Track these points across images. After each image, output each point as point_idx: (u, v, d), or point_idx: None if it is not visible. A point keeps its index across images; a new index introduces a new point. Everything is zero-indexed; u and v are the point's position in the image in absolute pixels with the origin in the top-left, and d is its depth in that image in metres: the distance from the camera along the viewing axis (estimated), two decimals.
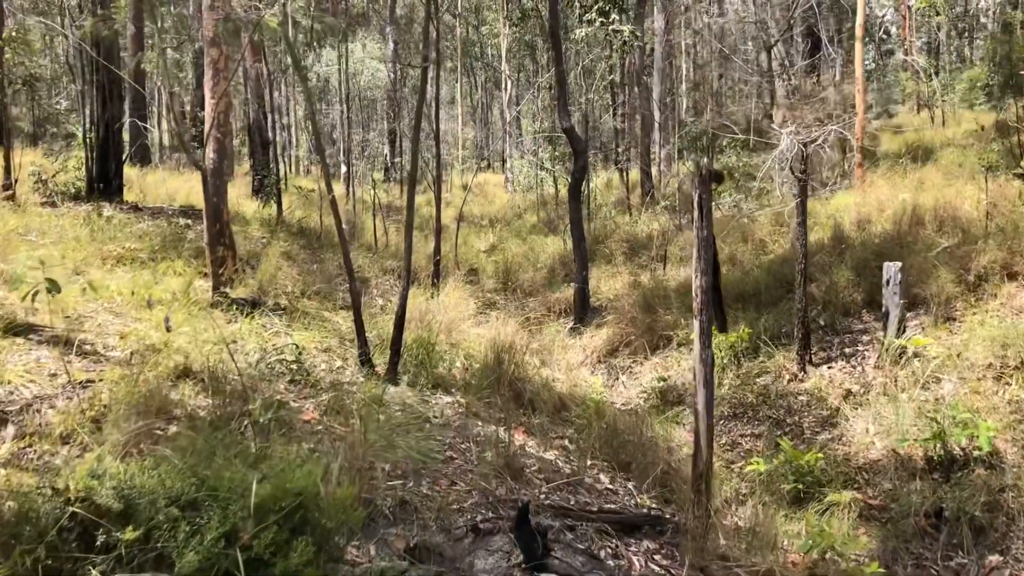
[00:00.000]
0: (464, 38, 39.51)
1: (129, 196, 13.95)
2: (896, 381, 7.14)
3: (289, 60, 22.13)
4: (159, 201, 14.87)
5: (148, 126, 23.03)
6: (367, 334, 6.73)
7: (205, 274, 9.01)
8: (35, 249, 8.90)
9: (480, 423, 5.84)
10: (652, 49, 20.43)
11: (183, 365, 5.39)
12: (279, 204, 15.13)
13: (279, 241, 12.34)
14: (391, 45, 33.54)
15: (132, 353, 5.68)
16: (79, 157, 13.93)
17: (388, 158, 32.24)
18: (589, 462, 5.64)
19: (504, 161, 45.41)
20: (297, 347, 6.08)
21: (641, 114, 19.22)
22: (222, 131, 8.52)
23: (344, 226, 15.29)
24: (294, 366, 5.90)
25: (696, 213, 4.72)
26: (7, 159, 11.92)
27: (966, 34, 31.56)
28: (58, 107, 15.58)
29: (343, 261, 6.74)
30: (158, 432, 4.31)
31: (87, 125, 12.33)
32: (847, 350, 8.13)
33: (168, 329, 5.67)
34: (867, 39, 20.53)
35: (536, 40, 34.16)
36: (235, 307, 7.48)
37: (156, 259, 9.19)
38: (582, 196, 11.82)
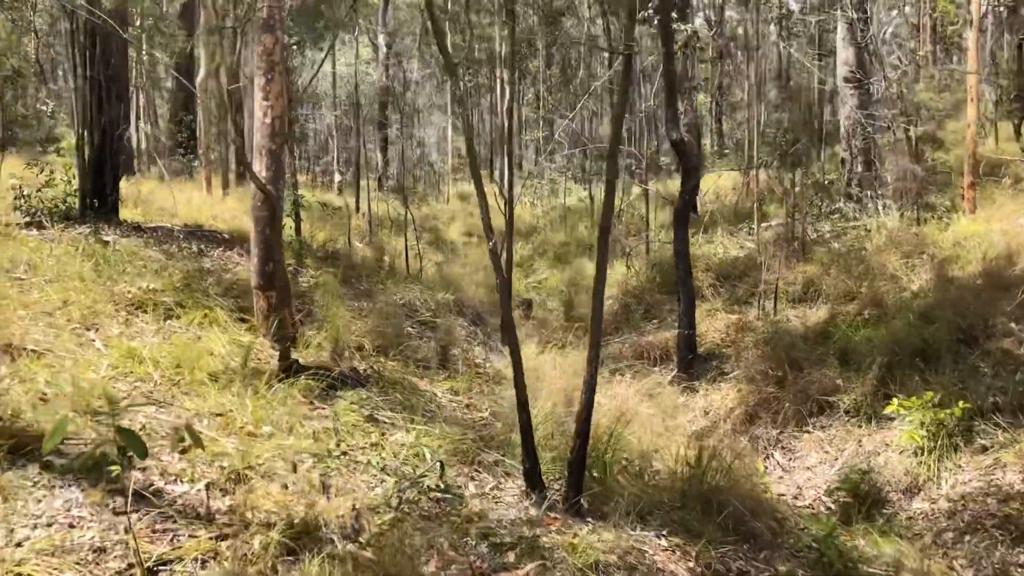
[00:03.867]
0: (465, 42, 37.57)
1: (124, 213, 11.86)
2: None
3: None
4: (157, 219, 12.77)
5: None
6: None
7: (244, 320, 7.02)
8: (27, 291, 6.86)
9: None
10: (720, 52, 18.72)
11: (300, 518, 3.42)
12: (298, 223, 13.10)
13: (315, 272, 10.36)
14: (383, 48, 31.56)
15: (208, 487, 3.69)
16: (66, 166, 11.83)
17: (381, 166, 30.24)
18: None
19: (494, 170, 43.59)
20: (442, 465, 4.14)
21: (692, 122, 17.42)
22: (277, 142, 6.54)
23: (357, 241, 13.23)
24: (445, 496, 3.96)
25: None
26: None
27: None
28: (43, 108, 13.41)
29: (511, 351, 4.79)
30: None
31: (80, 131, 10.21)
32: None
33: (200, 446, 3.73)
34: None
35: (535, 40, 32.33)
36: (313, 380, 5.51)
37: (184, 304, 7.17)
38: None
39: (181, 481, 3.77)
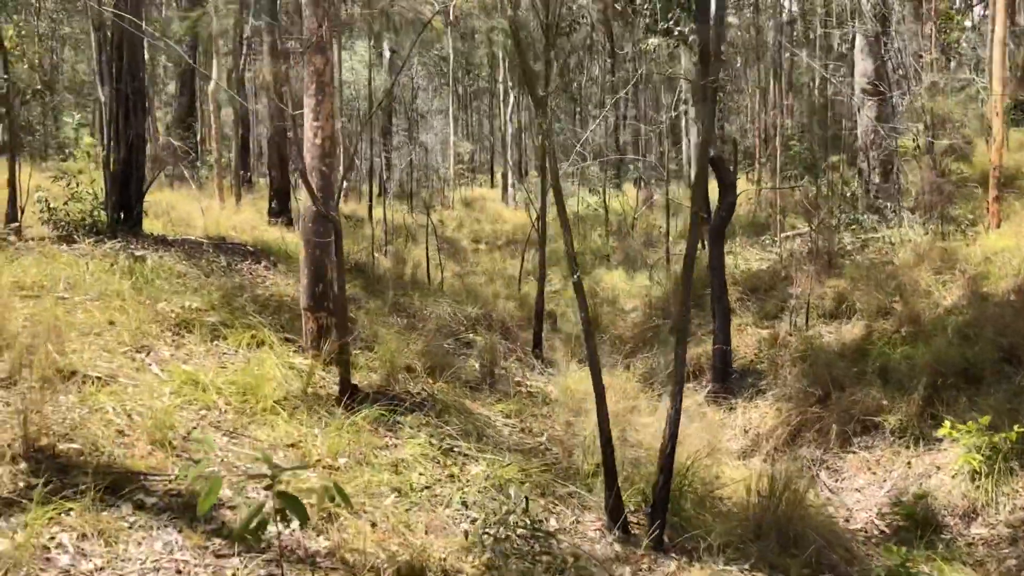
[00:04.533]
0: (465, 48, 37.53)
1: (145, 224, 11.76)
2: None
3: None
4: (178, 230, 12.71)
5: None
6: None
7: (289, 341, 6.97)
8: (72, 311, 6.80)
9: None
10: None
11: (404, 561, 3.37)
12: None
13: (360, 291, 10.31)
14: (387, 53, 31.51)
15: (302, 527, 3.63)
16: (76, 172, 11.74)
17: (385, 172, 30.15)
18: None
19: (494, 174, 43.50)
20: (527, 500, 4.09)
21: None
22: (328, 162, 6.49)
23: (379, 249, 13.11)
24: (534, 534, 3.91)
25: None
26: (13, 184, 9.74)
27: None
28: (68, 121, 13.31)
29: (596, 391, 4.73)
30: None
31: (109, 143, 10.13)
32: None
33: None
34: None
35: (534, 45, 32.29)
36: (374, 406, 5.46)
37: (228, 324, 7.11)
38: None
39: (273, 520, 3.71)
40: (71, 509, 3.47)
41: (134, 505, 3.64)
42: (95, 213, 10.35)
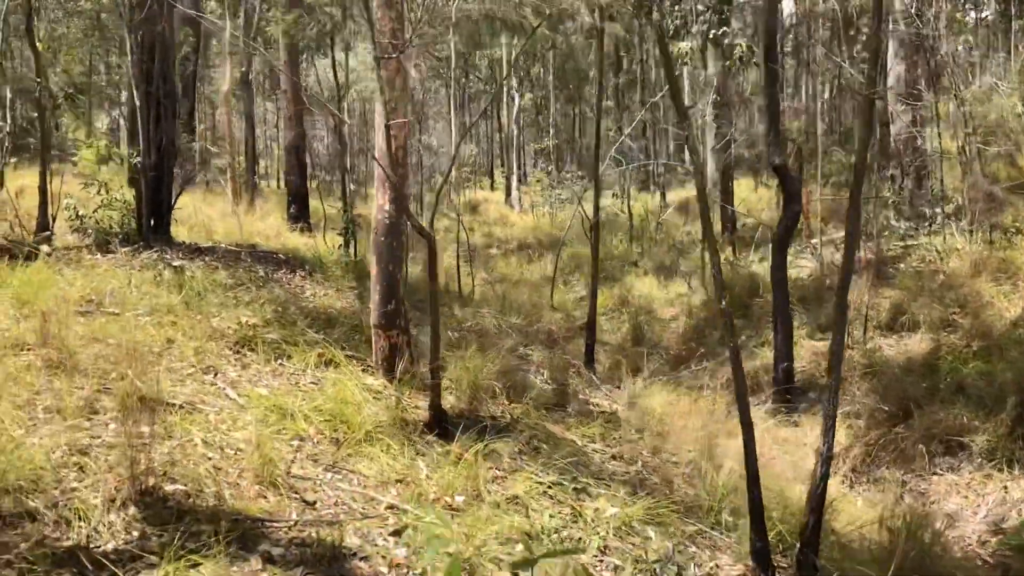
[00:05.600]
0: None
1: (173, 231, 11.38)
2: None
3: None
4: (202, 236, 12.34)
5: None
6: None
7: (357, 360, 6.63)
8: (127, 328, 6.44)
9: None
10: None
11: None
12: (354, 242, 12.71)
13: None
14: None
15: None
16: (119, 183, 11.37)
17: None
18: None
19: (494, 177, 43.12)
20: (673, 547, 3.78)
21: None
22: (400, 173, 6.16)
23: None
24: None
25: None
26: (44, 191, 9.36)
27: None
28: (98, 126, 12.92)
29: (743, 426, 4.43)
30: None
31: (142, 149, 9.74)
32: None
33: None
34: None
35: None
36: (466, 433, 5.14)
37: (290, 341, 6.77)
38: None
39: (413, 573, 3.39)
40: (199, 564, 3.13)
41: (263, 557, 3.31)
42: (126, 221, 9.99)
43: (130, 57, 9.64)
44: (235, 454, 4.34)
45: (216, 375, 5.80)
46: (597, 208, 9.64)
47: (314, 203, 17.03)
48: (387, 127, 5.92)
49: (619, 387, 9.10)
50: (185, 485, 3.78)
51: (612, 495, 4.63)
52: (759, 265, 13.64)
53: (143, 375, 4.86)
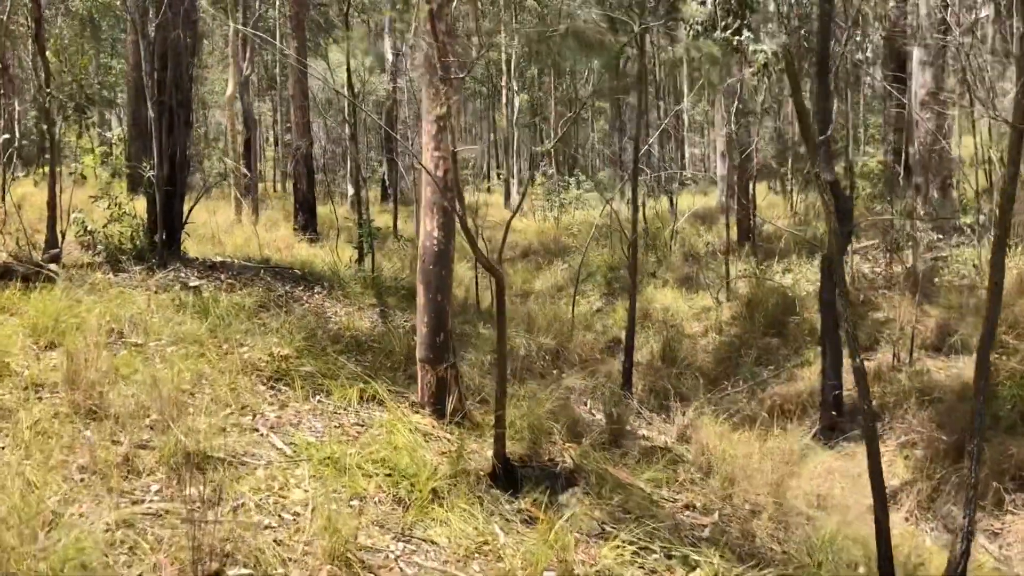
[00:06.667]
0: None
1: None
2: None
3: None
4: (207, 248, 11.87)
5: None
6: None
7: (400, 394, 6.19)
8: (150, 360, 6.00)
9: None
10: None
11: None
12: (362, 255, 12.25)
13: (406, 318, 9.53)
14: (390, 56, 30.64)
15: None
16: (120, 188, 10.87)
17: (385, 175, 29.37)
18: None
19: (491, 179, 42.64)
20: None
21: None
22: (450, 198, 5.73)
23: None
24: None
25: None
26: (53, 206, 8.87)
27: None
28: (107, 136, 12.38)
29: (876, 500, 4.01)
30: None
31: (155, 162, 9.24)
32: None
33: None
34: None
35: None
36: (533, 484, 4.71)
37: (327, 374, 6.32)
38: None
39: None
40: None
41: None
42: (136, 236, 9.52)
43: (144, 66, 9.15)
44: (294, 520, 3.90)
45: (255, 416, 5.36)
46: (635, 224, 9.20)
47: (321, 209, 16.59)
48: (435, 147, 5.49)
49: (657, 412, 8.71)
50: (250, 566, 3.34)
51: (706, 561, 4.21)
52: (786, 277, 13.24)
53: (182, 423, 4.42)
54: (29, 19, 8.16)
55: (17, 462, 3.88)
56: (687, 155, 28.54)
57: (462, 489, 4.46)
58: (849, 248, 13.98)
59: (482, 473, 4.85)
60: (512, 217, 6.09)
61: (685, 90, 23.64)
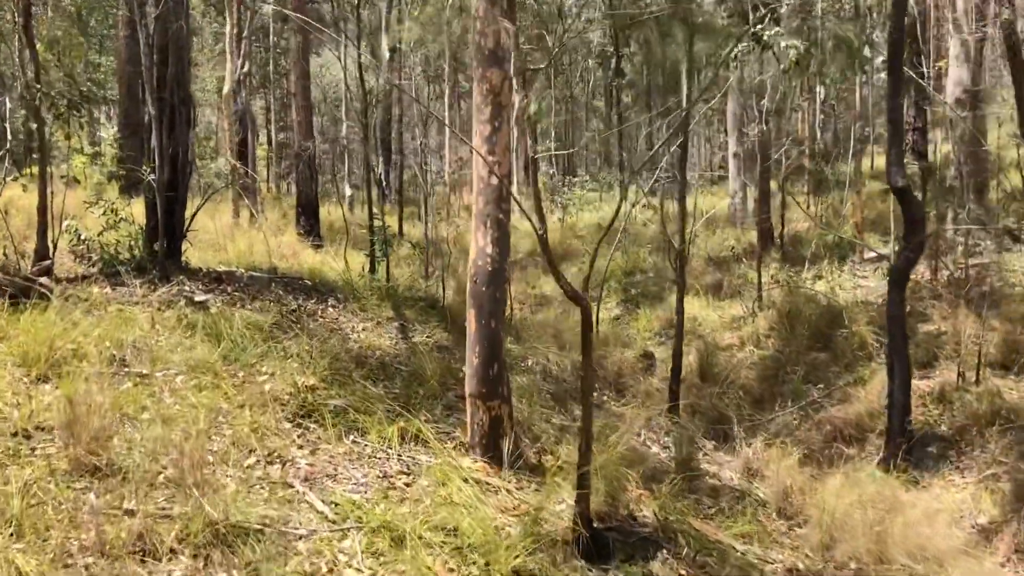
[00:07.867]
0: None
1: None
2: None
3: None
4: (208, 256, 11.02)
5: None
6: None
7: (446, 433, 5.44)
8: (157, 395, 5.23)
9: None
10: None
11: None
12: (374, 263, 11.45)
13: (428, 332, 8.80)
14: (386, 53, 29.84)
15: None
16: (115, 197, 10.05)
17: (383, 175, 28.59)
18: None
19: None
20: None
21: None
22: (505, 208, 4.97)
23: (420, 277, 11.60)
24: None
25: None
26: (44, 213, 8.04)
27: None
28: (100, 136, 11.56)
29: None
30: None
31: (155, 166, 8.43)
32: None
33: None
34: None
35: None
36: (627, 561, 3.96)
37: (359, 408, 5.56)
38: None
39: None
40: None
41: None
42: (134, 245, 8.71)
43: (143, 60, 8.34)
44: None
45: (284, 465, 4.59)
46: (683, 235, 8.44)
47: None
48: (489, 150, 4.73)
49: (707, 437, 8.00)
50: None
51: None
52: (819, 284, 12.51)
53: (202, 480, 3.66)
54: (16, 13, 7.33)
55: (5, 546, 3.11)
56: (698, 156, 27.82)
57: (545, 563, 3.70)
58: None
59: (558, 538, 4.09)
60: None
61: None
